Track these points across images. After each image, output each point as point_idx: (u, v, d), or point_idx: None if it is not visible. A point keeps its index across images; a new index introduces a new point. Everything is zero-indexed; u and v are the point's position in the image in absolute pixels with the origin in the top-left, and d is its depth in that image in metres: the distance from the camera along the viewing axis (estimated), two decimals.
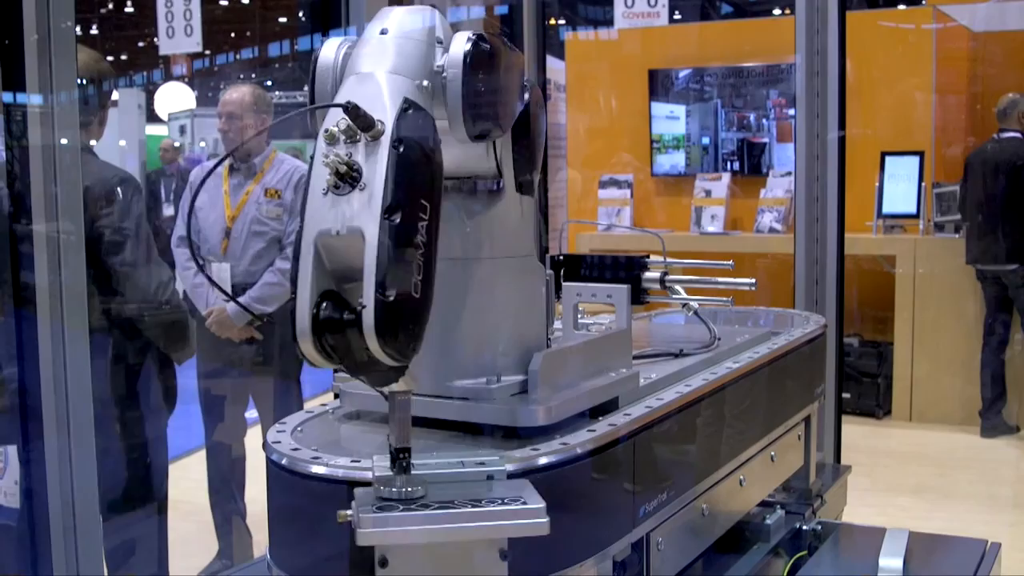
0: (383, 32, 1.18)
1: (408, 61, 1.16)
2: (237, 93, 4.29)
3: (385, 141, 1.07)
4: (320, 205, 1.08)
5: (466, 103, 1.19)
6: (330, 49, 1.25)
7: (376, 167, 1.06)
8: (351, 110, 1.06)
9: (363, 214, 1.05)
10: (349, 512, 1.09)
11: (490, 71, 1.21)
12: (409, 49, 1.18)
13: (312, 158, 1.10)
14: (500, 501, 1.09)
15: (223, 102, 4.32)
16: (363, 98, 1.09)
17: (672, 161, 8.25)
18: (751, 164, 7.97)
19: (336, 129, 1.08)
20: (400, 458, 1.12)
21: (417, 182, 1.07)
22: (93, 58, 3.24)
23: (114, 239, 3.00)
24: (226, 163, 4.20)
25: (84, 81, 3.10)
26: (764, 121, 7.92)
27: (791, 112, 3.51)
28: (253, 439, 4.29)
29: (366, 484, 1.14)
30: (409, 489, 1.10)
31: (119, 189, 3.07)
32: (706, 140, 8.14)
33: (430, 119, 1.11)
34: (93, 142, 3.22)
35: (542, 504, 1.08)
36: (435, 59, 1.19)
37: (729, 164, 8.06)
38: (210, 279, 3.59)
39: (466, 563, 1.10)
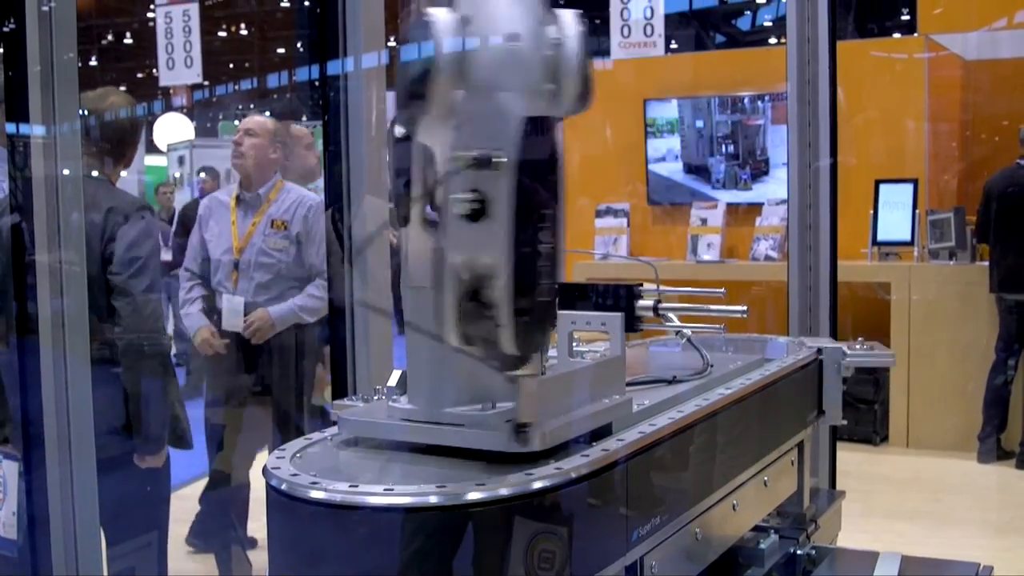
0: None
1: (527, 71, 1.21)
2: (260, 117, 4.35)
3: (509, 171, 1.14)
4: (456, 232, 1.18)
5: (582, 82, 1.26)
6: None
7: (502, 197, 1.15)
8: (473, 162, 1.15)
9: (495, 244, 1.16)
10: None
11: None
12: (526, 56, 1.21)
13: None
14: None
15: (245, 120, 4.37)
16: (482, 126, 1.17)
17: (668, 145, 8.24)
18: (746, 148, 7.97)
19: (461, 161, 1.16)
20: (521, 432, 1.26)
21: (541, 201, 1.16)
22: (126, 98, 3.39)
23: (132, 262, 3.08)
24: (233, 193, 4.24)
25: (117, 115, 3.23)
26: (759, 103, 7.92)
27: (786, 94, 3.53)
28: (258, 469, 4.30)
29: (363, 508, 1.17)
30: None
31: (139, 215, 3.17)
32: (700, 123, 8.16)
33: (551, 127, 1.17)
34: (124, 173, 3.37)
35: None
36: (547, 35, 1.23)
37: (724, 147, 8.07)
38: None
39: None
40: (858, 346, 2.39)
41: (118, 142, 3.36)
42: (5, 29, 2.09)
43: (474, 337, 1.22)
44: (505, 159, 1.14)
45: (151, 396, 3.22)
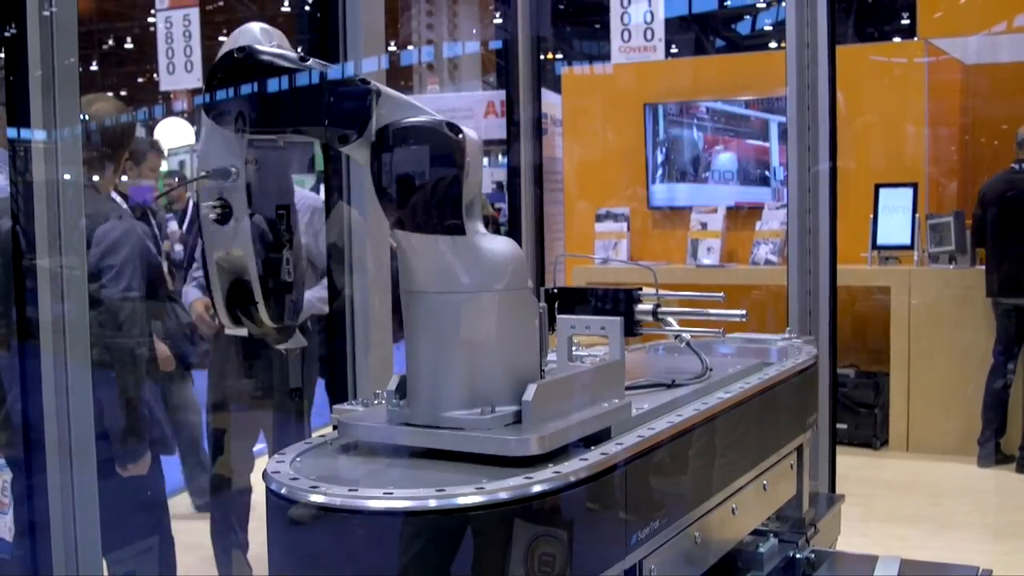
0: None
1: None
2: None
3: (241, 182, 1.45)
4: (213, 233, 1.48)
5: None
6: None
7: (240, 202, 1.45)
8: (210, 175, 1.45)
9: (240, 239, 1.46)
10: None
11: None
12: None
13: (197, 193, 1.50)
14: None
15: None
16: (217, 144, 1.47)
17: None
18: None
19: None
20: (294, 395, 1.64)
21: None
22: (114, 105, 3.35)
23: (104, 270, 3.08)
24: None
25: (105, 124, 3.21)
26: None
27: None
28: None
29: (363, 512, 1.18)
30: None
31: (113, 223, 3.16)
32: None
33: (276, 151, 1.51)
34: (125, 177, 3.35)
35: None
36: None
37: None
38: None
39: None
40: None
41: (107, 149, 3.31)
42: (6, 34, 2.10)
43: (242, 317, 1.51)
44: (235, 170, 1.44)
45: (128, 403, 3.22)
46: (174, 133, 14.45)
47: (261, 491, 1.33)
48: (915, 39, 7.79)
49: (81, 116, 2.30)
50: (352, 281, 2.50)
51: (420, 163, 1.36)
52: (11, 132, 2.12)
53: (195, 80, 6.73)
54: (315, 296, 4.13)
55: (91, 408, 2.08)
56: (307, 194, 4.36)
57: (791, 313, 3.48)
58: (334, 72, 1.42)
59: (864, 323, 7.08)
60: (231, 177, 1.44)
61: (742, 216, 7.94)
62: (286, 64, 1.43)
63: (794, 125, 3.47)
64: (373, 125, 1.37)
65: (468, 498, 1.19)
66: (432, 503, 1.18)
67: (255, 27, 1.48)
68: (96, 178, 3.28)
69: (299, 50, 1.46)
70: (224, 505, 4.25)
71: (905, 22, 14.68)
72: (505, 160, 3.83)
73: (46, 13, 2.08)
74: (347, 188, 2.54)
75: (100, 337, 3.11)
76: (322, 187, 2.87)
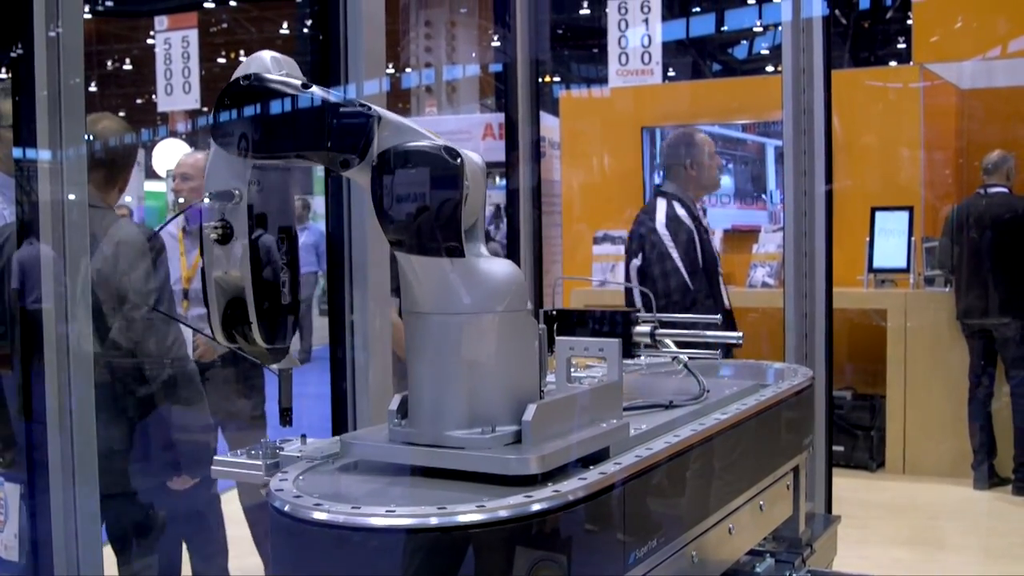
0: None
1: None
2: (192, 158, 4.51)
3: (243, 205, 1.48)
4: (213, 252, 1.51)
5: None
6: None
7: (240, 225, 1.48)
8: (214, 196, 1.49)
9: (239, 260, 1.49)
10: None
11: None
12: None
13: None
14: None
15: (179, 164, 4.51)
16: (221, 167, 1.49)
17: None
18: None
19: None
20: (286, 414, 1.60)
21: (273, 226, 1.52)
22: (119, 124, 3.37)
23: (145, 294, 3.11)
24: (180, 225, 4.37)
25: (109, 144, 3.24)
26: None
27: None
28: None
29: (365, 529, 1.19)
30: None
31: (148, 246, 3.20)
32: None
33: (278, 174, 1.53)
34: (128, 198, 3.36)
35: None
36: None
37: None
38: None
39: None
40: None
41: (108, 169, 3.32)
42: (13, 54, 2.12)
43: (237, 336, 1.53)
44: (237, 193, 1.48)
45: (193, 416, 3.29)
46: (172, 154, 14.47)
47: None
48: (911, 64, 7.84)
49: (86, 136, 2.32)
50: (352, 298, 2.51)
51: (420, 186, 1.38)
52: (17, 152, 2.14)
53: (193, 101, 6.76)
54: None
55: (93, 427, 2.09)
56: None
57: (787, 336, 3.50)
58: (335, 97, 1.44)
59: (860, 346, 7.09)
60: (233, 199, 1.48)
61: (738, 239, 7.97)
62: (289, 91, 1.46)
63: (790, 149, 3.50)
64: (375, 149, 1.40)
65: (469, 516, 1.21)
66: (433, 520, 1.20)
67: (266, 55, 1.51)
68: (128, 198, 3.31)
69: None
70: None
71: (901, 47, 14.78)
72: (503, 182, 3.85)
73: (52, 34, 2.10)
74: (348, 208, 2.56)
75: (161, 356, 3.16)
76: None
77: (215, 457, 1.57)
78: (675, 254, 4.42)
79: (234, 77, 1.47)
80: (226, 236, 1.49)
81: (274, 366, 1.58)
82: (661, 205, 4.59)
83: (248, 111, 1.47)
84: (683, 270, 4.40)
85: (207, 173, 1.50)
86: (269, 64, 1.50)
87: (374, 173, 1.39)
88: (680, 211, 4.54)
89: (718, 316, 1.96)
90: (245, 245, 1.48)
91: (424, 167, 1.38)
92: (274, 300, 1.51)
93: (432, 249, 1.38)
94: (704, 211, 4.96)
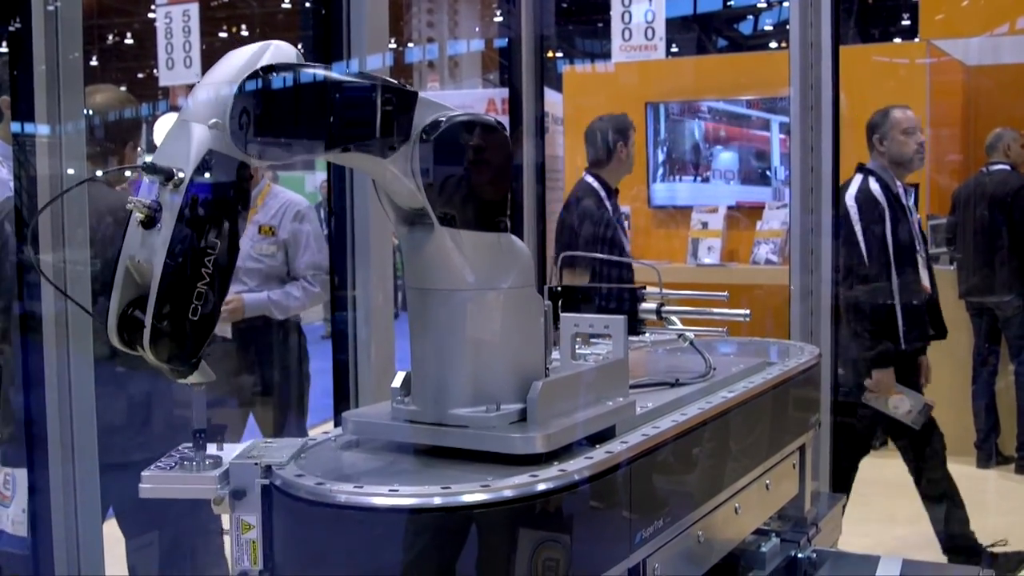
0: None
1: (207, 108, 1.28)
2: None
3: (182, 190, 1.24)
4: (134, 234, 1.28)
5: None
6: None
7: (170, 212, 1.24)
8: (148, 167, 1.25)
9: (156, 251, 1.24)
10: None
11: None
12: (209, 95, 1.28)
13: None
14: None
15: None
16: (173, 148, 1.26)
17: None
18: None
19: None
20: (198, 437, 1.38)
21: (206, 226, 1.25)
22: (118, 95, 3.32)
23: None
24: None
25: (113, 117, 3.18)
26: None
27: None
28: None
29: (368, 509, 1.18)
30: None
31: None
32: None
33: (232, 164, 1.26)
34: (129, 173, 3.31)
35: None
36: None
37: None
38: None
39: None
40: None
41: (110, 144, 3.27)
42: (11, 28, 2.09)
43: (133, 340, 1.28)
44: (181, 176, 1.24)
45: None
46: None
47: None
48: (917, 40, 7.79)
49: (85, 110, 2.30)
50: (355, 278, 2.50)
51: (477, 159, 1.35)
52: (15, 127, 2.12)
53: (194, 76, 6.71)
54: (271, 297, 4.18)
55: (93, 404, 2.08)
56: (292, 197, 4.40)
57: (792, 313, 3.48)
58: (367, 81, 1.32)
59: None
60: (171, 182, 1.24)
61: (743, 216, 7.94)
62: (338, 78, 1.31)
63: (797, 125, 3.47)
64: (415, 128, 1.34)
65: (473, 496, 1.19)
66: (437, 500, 1.18)
67: (281, 44, 1.33)
68: (99, 173, 3.26)
69: (299, 47, 1.40)
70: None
71: (907, 23, 14.69)
72: None
73: (51, 8, 2.07)
74: (350, 188, 2.54)
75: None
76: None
77: (143, 473, 1.36)
78: (857, 228, 4.29)
79: (259, 65, 1.27)
80: (151, 220, 1.25)
81: (184, 381, 1.32)
82: (856, 180, 4.45)
83: (284, 107, 1.29)
84: (862, 245, 4.27)
85: (161, 142, 1.30)
86: (288, 53, 1.33)
87: (423, 150, 1.33)
88: (874, 186, 4.40)
89: (725, 293, 1.93)
90: (167, 239, 1.24)
91: (482, 138, 1.35)
92: (181, 311, 1.25)
93: (485, 223, 1.36)
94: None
